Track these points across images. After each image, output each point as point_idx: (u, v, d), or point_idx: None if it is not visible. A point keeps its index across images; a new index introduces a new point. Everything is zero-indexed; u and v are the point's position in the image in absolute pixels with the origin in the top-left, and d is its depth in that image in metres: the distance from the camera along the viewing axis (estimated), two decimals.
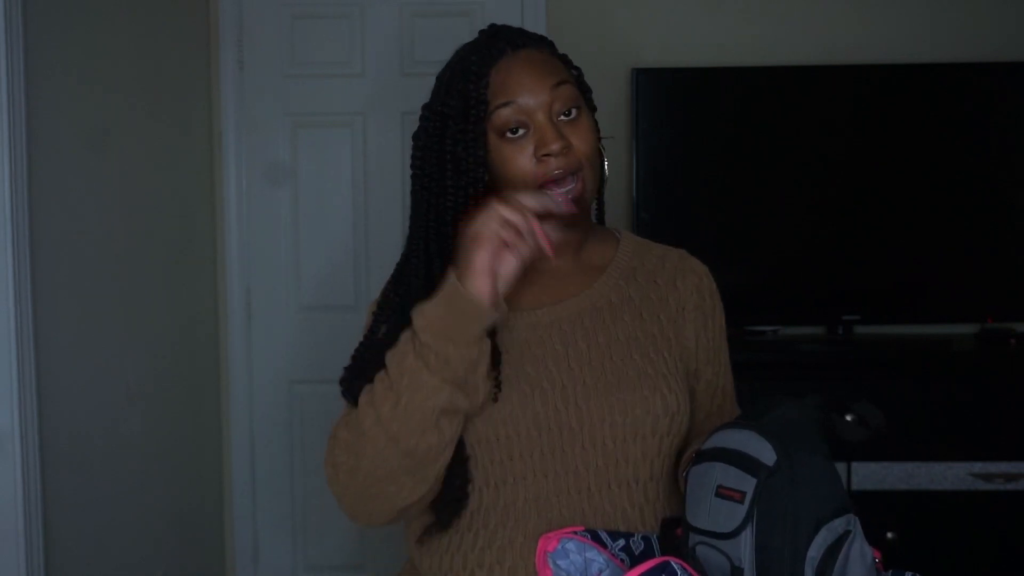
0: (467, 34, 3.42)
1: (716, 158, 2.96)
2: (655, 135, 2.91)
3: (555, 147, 1.19)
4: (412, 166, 1.27)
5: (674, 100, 2.95)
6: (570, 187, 1.21)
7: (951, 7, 3.02)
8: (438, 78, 1.27)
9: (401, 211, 3.12)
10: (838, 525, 1.02)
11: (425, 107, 1.27)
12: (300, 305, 3.18)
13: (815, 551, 1.01)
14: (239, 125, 3.12)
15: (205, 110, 3.09)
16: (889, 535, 2.61)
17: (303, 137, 3.15)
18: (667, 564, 1.04)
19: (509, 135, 1.21)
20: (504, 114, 1.20)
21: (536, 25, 2.95)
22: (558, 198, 1.20)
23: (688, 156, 2.96)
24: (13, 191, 1.94)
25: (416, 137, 1.28)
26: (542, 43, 1.27)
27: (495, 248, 1.10)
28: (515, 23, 3.00)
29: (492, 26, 1.29)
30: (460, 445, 1.20)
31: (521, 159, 1.20)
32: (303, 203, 3.16)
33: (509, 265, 1.12)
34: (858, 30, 3.03)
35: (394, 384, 1.13)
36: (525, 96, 1.20)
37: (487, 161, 1.21)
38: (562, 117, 1.22)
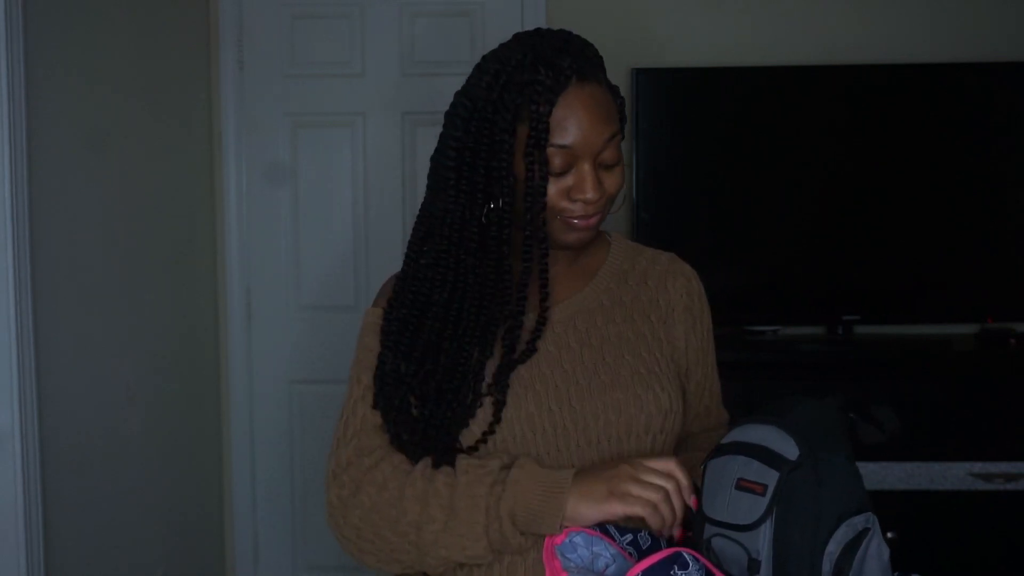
0: (467, 34, 3.42)
1: (716, 158, 2.96)
2: (655, 135, 2.91)
3: (591, 196, 1.19)
4: (445, 166, 1.22)
5: (674, 100, 2.95)
6: (590, 217, 1.22)
7: (951, 7, 3.03)
8: (485, 68, 1.21)
9: (401, 211, 3.12)
10: (858, 522, 1.03)
11: (466, 98, 1.22)
12: (300, 305, 3.18)
13: (834, 546, 1.01)
14: (239, 125, 3.12)
15: (205, 110, 3.09)
16: (889, 535, 2.61)
17: (303, 137, 3.15)
18: (679, 555, 1.04)
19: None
20: (553, 153, 1.18)
21: (536, 25, 2.95)
22: None
23: (688, 156, 2.96)
24: (13, 191, 1.94)
25: (449, 133, 1.23)
26: (599, 72, 1.23)
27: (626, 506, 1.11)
28: (515, 23, 3.01)
29: (550, 36, 1.23)
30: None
31: (553, 190, 1.20)
32: (303, 203, 3.16)
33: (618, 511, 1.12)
34: (858, 30, 3.04)
35: (451, 522, 1.15)
36: (579, 142, 1.18)
37: (546, 181, 1.19)
38: (604, 166, 1.22)
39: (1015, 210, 2.92)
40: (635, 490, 1.10)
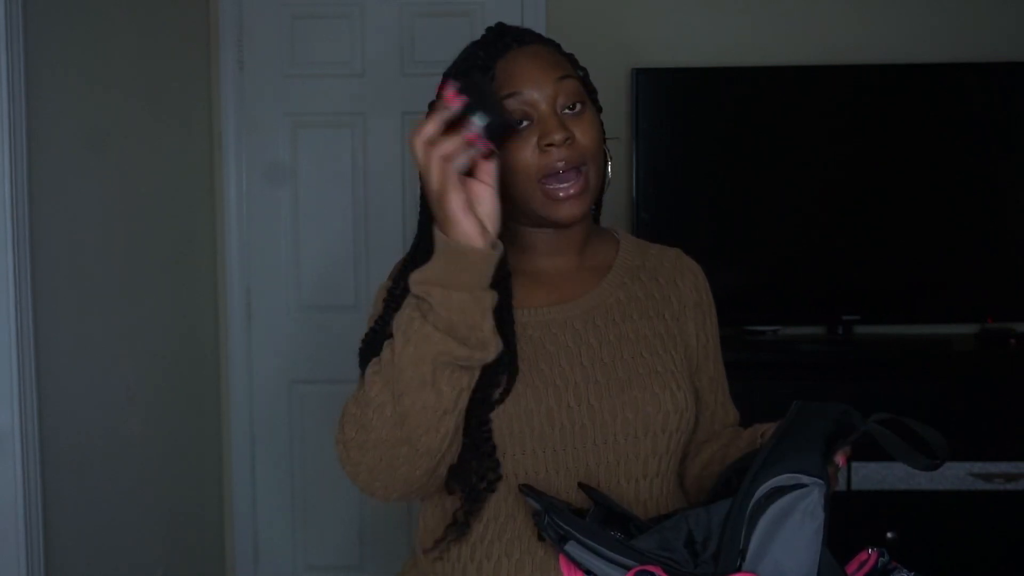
0: (467, 34, 3.42)
1: (716, 158, 2.96)
2: (655, 135, 2.91)
3: (558, 137, 1.18)
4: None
5: (674, 100, 2.95)
6: (572, 182, 1.21)
7: (951, 7, 3.03)
8: (445, 75, 1.27)
9: (401, 211, 3.12)
10: (801, 478, 1.03)
11: (432, 105, 1.26)
12: (300, 305, 3.18)
13: (765, 489, 1.02)
14: (239, 125, 3.12)
15: (205, 110, 3.09)
16: (889, 535, 2.61)
17: (303, 137, 3.15)
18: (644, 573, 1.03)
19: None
20: (508, 104, 1.19)
21: (536, 25, 2.95)
22: (559, 191, 1.19)
23: (688, 156, 2.96)
24: (13, 191, 1.94)
25: None
26: (549, 42, 1.28)
27: (456, 188, 1.05)
28: (515, 23, 3.00)
29: (499, 25, 1.30)
30: (486, 435, 1.18)
31: (523, 150, 1.20)
32: (303, 203, 3.16)
33: (485, 198, 1.08)
34: (858, 30, 3.04)
35: (394, 341, 1.10)
36: (529, 88, 1.20)
37: (503, 148, 1.18)
38: (566, 111, 1.22)
39: (1015, 210, 2.92)
40: (438, 180, 1.05)
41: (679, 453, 1.27)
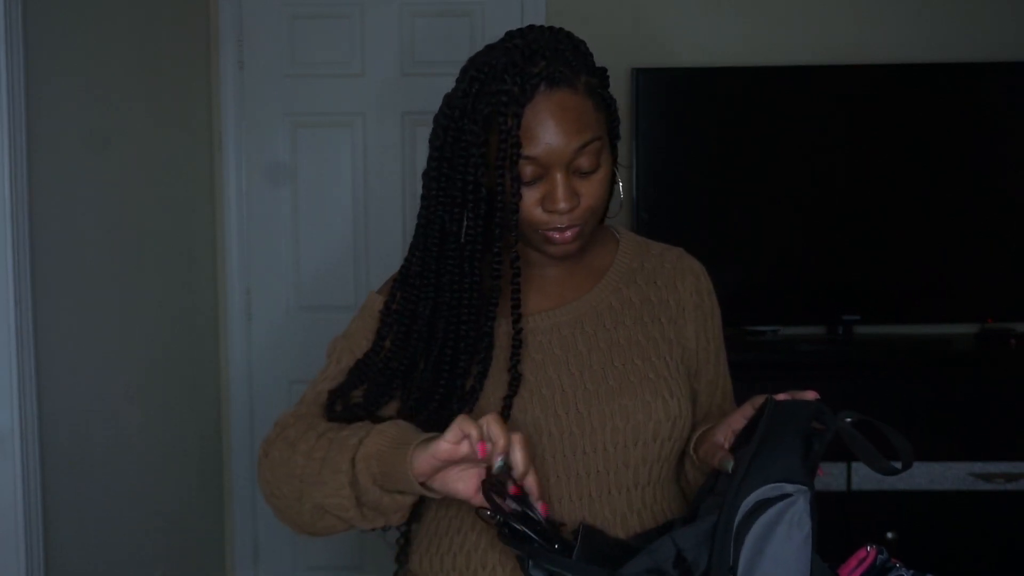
0: (467, 34, 3.41)
1: (716, 158, 2.96)
2: (655, 135, 2.91)
3: (563, 206, 1.16)
4: (429, 175, 1.22)
5: (674, 100, 2.95)
6: (569, 232, 1.19)
7: (950, 7, 3.03)
8: (465, 74, 1.19)
9: (401, 211, 3.12)
10: (787, 488, 1.02)
11: (446, 106, 1.20)
12: (300, 305, 3.18)
13: (752, 499, 1.01)
14: (239, 125, 3.12)
15: (205, 110, 3.09)
16: (889, 535, 2.61)
17: (303, 137, 3.15)
18: None
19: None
20: (523, 163, 1.15)
21: None
22: None
23: (688, 156, 2.96)
24: (13, 191, 1.94)
25: (432, 141, 1.22)
26: (576, 75, 1.16)
27: (458, 462, 1.02)
28: (515, 23, 3.01)
29: (530, 36, 1.18)
30: None
31: (528, 200, 1.17)
32: (303, 203, 3.16)
33: (456, 482, 1.04)
34: (857, 30, 3.04)
35: (324, 466, 1.11)
36: (547, 152, 1.14)
37: (519, 198, 1.16)
38: (580, 174, 1.18)
39: (1015, 210, 2.92)
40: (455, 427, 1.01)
41: (673, 460, 1.25)
